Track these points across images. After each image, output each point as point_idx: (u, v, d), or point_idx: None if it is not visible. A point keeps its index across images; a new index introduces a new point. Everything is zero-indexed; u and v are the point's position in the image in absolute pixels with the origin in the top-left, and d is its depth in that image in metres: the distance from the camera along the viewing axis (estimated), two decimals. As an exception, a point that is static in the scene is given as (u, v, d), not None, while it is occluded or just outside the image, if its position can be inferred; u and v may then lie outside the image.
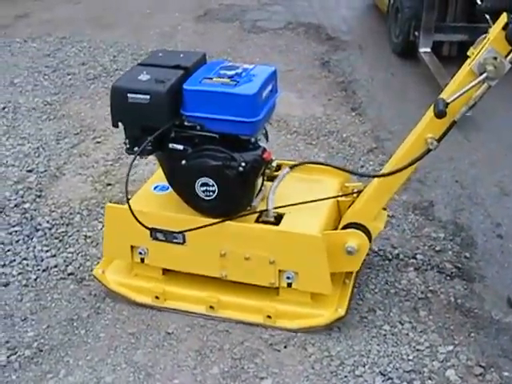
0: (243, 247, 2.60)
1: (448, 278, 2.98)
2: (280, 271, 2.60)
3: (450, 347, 2.58)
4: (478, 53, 2.29)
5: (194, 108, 2.51)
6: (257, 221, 2.67)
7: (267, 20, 6.74)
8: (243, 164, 2.49)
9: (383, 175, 2.58)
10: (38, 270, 3.01)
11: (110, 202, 3.34)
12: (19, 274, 2.99)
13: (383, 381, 2.42)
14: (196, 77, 2.57)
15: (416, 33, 5.21)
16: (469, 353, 2.55)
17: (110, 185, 3.71)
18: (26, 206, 3.49)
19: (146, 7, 7.18)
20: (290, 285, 2.62)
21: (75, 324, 2.70)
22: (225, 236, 2.61)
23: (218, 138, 2.54)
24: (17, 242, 3.21)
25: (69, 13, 6.95)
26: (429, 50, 5.15)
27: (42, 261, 3.07)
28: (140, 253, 2.74)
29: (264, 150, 2.59)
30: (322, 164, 3.16)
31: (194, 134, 2.56)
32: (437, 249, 3.16)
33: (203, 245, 2.64)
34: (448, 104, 2.30)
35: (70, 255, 3.11)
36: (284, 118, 4.50)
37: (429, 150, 2.45)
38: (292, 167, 2.80)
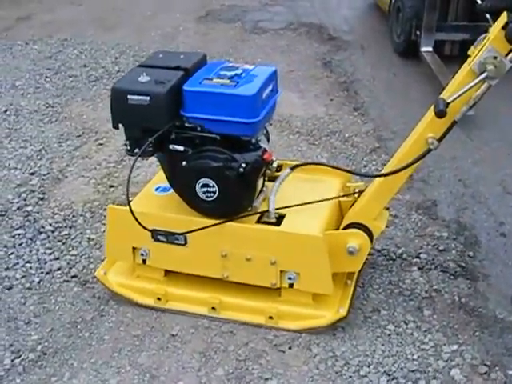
0: (244, 248, 2.60)
1: (452, 277, 2.97)
2: (281, 272, 2.60)
3: (455, 346, 2.57)
4: (479, 52, 2.29)
5: (194, 109, 2.51)
6: (258, 221, 2.67)
7: (269, 20, 6.75)
8: (244, 165, 2.49)
9: (384, 175, 2.58)
10: (42, 272, 3.01)
11: (113, 203, 3.33)
12: (22, 277, 2.99)
13: (388, 381, 2.41)
14: (196, 78, 2.57)
15: (418, 32, 5.21)
16: (473, 352, 2.55)
17: (112, 187, 3.71)
18: (29, 208, 3.49)
19: (147, 9, 7.19)
20: (291, 285, 2.61)
21: (79, 327, 2.70)
22: (226, 237, 2.61)
23: (219, 139, 2.54)
24: (20, 245, 3.21)
25: (70, 15, 6.96)
26: (430, 49, 5.16)
27: (46, 264, 3.07)
28: (142, 254, 2.74)
29: (264, 150, 2.59)
30: (322, 165, 3.15)
31: (195, 135, 2.56)
32: (440, 248, 3.15)
33: (204, 246, 2.64)
34: (448, 104, 2.30)
35: (73, 258, 3.11)
36: (286, 119, 4.50)
37: (429, 150, 2.45)
38: (293, 168, 2.80)
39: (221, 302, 2.70)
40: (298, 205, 2.64)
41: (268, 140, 2.75)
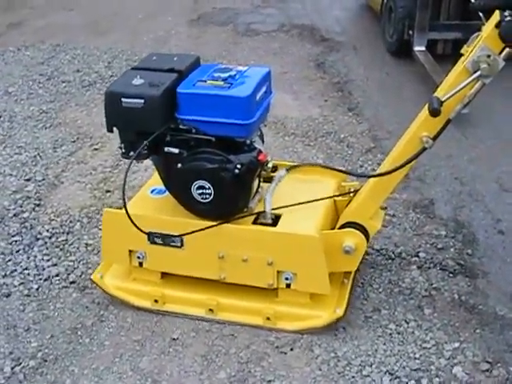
0: (241, 249, 2.60)
1: (451, 275, 2.97)
2: (278, 272, 2.60)
3: (456, 344, 2.57)
4: (472, 51, 2.30)
5: (189, 111, 2.51)
6: (254, 222, 2.67)
7: (261, 23, 6.74)
8: (239, 166, 2.49)
9: (379, 175, 2.58)
10: (40, 279, 3.00)
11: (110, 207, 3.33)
12: (21, 284, 2.98)
13: (391, 380, 2.41)
14: (190, 80, 2.58)
15: (410, 32, 5.22)
16: (475, 349, 2.55)
17: (109, 191, 3.70)
18: (26, 215, 3.47)
19: (138, 12, 7.17)
20: (288, 286, 2.62)
21: (79, 333, 2.69)
22: (222, 238, 2.61)
23: (213, 141, 2.54)
24: (17, 251, 3.19)
25: (62, 20, 6.94)
26: (423, 48, 5.17)
27: (44, 270, 3.05)
28: (138, 257, 2.74)
29: (259, 151, 2.59)
30: (318, 166, 3.15)
31: (189, 137, 2.56)
32: (439, 246, 3.16)
33: (201, 248, 2.64)
34: (443, 102, 2.30)
35: (71, 263, 3.09)
36: (281, 120, 4.50)
37: (424, 149, 2.45)
38: (288, 169, 2.80)
39: (218, 304, 2.70)
40: (293, 205, 2.64)
41: (262, 141, 2.75)
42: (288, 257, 2.57)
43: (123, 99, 2.47)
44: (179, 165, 2.54)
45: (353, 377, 2.43)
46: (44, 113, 4.69)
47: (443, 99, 2.31)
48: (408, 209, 3.48)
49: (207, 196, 2.55)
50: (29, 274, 3.02)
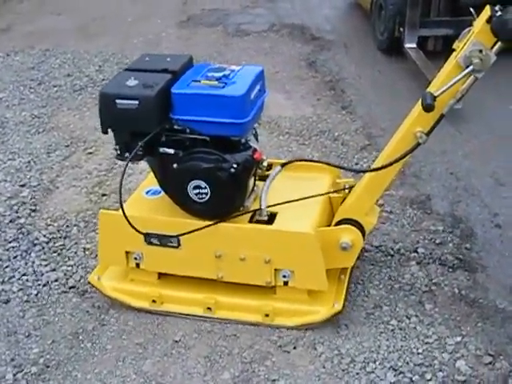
0: (238, 248, 2.61)
1: (450, 269, 2.98)
2: (276, 270, 2.61)
3: (458, 338, 2.58)
4: (464, 46, 2.31)
5: (183, 111, 2.52)
6: (250, 221, 2.68)
7: (251, 23, 6.74)
8: (235, 165, 2.49)
9: (374, 170, 2.59)
10: (39, 284, 2.98)
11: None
12: (19, 290, 2.96)
13: (395, 375, 2.42)
14: (184, 80, 2.58)
15: (401, 29, 5.23)
16: (477, 342, 2.56)
17: (105, 195, 3.69)
18: (22, 220, 3.45)
19: (127, 16, 7.15)
20: (286, 283, 2.63)
21: (81, 337, 2.68)
22: (219, 237, 2.61)
23: (209, 140, 2.54)
24: (15, 257, 3.17)
25: (51, 25, 6.91)
26: (414, 45, 5.18)
27: (42, 275, 3.03)
28: (135, 258, 2.74)
29: (255, 150, 2.60)
30: (311, 161, 3.16)
31: (185, 137, 2.57)
32: (437, 242, 3.16)
33: (198, 247, 2.65)
34: (436, 97, 2.31)
35: (69, 268, 3.08)
36: (275, 120, 4.50)
37: (418, 144, 2.46)
38: (283, 165, 2.81)
39: (216, 302, 2.70)
40: (288, 201, 2.65)
41: (257, 139, 2.75)
42: (285, 254, 2.58)
43: (118, 100, 2.47)
44: (175, 165, 2.55)
45: (357, 373, 2.43)
46: (36, 118, 4.66)
47: (436, 94, 2.32)
48: (405, 205, 3.48)
49: (203, 195, 2.56)
50: (27, 280, 3.01)
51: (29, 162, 4.06)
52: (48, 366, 2.54)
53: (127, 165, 2.54)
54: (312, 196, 2.68)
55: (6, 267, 3.10)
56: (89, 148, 4.23)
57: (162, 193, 2.75)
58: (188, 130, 2.55)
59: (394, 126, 2.64)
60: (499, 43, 2.27)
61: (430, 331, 2.62)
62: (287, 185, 2.81)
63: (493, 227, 3.27)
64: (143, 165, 3.49)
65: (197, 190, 2.55)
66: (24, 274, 3.05)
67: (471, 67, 2.28)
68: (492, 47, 2.28)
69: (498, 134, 4.20)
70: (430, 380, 2.40)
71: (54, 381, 2.48)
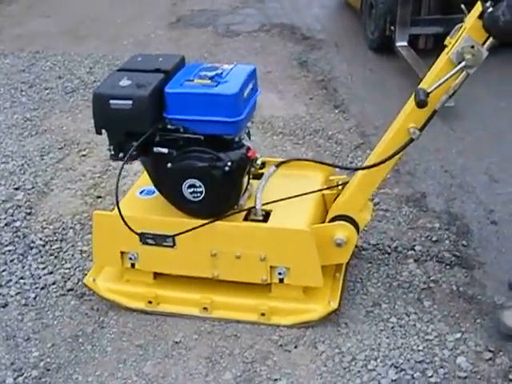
0: (233, 246, 2.61)
1: (448, 266, 3.00)
2: (271, 267, 2.62)
3: (458, 335, 2.60)
4: (455, 42, 2.33)
5: (177, 111, 2.52)
6: (245, 219, 2.68)
7: (241, 23, 6.73)
8: (229, 163, 2.51)
9: (367, 167, 2.61)
10: (37, 288, 2.96)
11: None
12: (17, 293, 2.94)
13: (396, 373, 2.43)
14: (177, 79, 2.58)
15: (392, 27, 5.24)
16: (476, 339, 2.58)
17: (100, 197, 3.67)
18: (17, 224, 3.43)
19: (117, 18, 7.11)
20: (281, 280, 2.64)
21: (80, 340, 2.67)
22: (214, 236, 2.62)
23: (203, 139, 2.55)
24: (11, 261, 3.15)
25: (40, 27, 6.86)
26: (405, 43, 5.20)
27: (40, 278, 3.02)
28: (130, 258, 2.74)
29: (248, 148, 2.62)
30: (306, 160, 3.17)
31: (178, 137, 2.57)
32: (434, 239, 3.18)
33: (193, 246, 2.65)
34: (429, 93, 2.32)
35: (67, 271, 3.07)
36: (268, 120, 4.50)
37: (411, 140, 2.47)
38: (278, 165, 2.82)
39: (212, 302, 2.71)
40: (282, 199, 2.66)
41: (249, 137, 2.76)
42: (280, 252, 2.59)
43: (111, 101, 2.47)
44: (169, 164, 2.56)
45: (358, 371, 2.44)
46: (28, 120, 4.63)
47: (429, 90, 2.33)
48: (401, 203, 3.50)
49: (198, 194, 2.57)
50: (25, 284, 2.99)
51: (22, 164, 4.03)
52: (48, 370, 2.53)
53: (123, 166, 2.54)
54: (305, 193, 2.69)
55: (3, 271, 3.08)
56: (82, 150, 4.21)
57: (156, 193, 2.76)
58: (182, 129, 2.56)
59: (387, 124, 2.65)
60: (491, 39, 2.29)
61: (429, 328, 2.63)
62: (281, 183, 2.82)
63: (488, 224, 3.29)
64: (138, 167, 3.50)
65: (191, 189, 2.56)
66: (21, 278, 3.03)
67: (463, 63, 2.29)
68: (484, 43, 2.30)
69: (490, 130, 4.22)
70: (431, 377, 2.41)
71: (55, 384, 2.48)
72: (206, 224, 2.58)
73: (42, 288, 2.96)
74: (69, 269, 3.08)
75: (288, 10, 7.12)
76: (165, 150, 2.55)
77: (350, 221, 2.66)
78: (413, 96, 2.38)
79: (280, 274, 2.61)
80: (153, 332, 2.69)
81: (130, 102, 2.45)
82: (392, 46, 5.29)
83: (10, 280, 3.02)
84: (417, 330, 2.62)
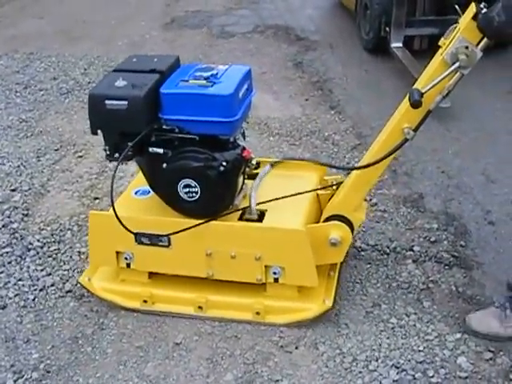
0: (228, 246, 2.62)
1: (447, 267, 3.01)
2: (266, 267, 2.62)
3: (458, 335, 2.60)
4: (450, 43, 2.34)
5: (172, 111, 2.53)
6: (240, 219, 2.69)
7: (235, 24, 6.73)
8: (224, 163, 2.52)
9: (361, 167, 2.61)
10: (35, 289, 2.95)
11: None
12: (16, 295, 2.93)
13: (397, 373, 2.43)
14: (172, 80, 2.59)
15: (387, 28, 5.25)
16: (476, 339, 2.58)
17: (97, 199, 3.66)
18: (15, 225, 3.42)
19: (110, 19, 7.10)
20: (276, 280, 2.64)
21: (80, 342, 2.66)
22: (209, 236, 2.63)
23: (198, 140, 2.56)
24: (9, 263, 3.13)
25: (33, 28, 6.84)
26: (400, 44, 5.21)
27: (38, 280, 3.00)
28: (126, 258, 2.75)
29: (243, 148, 2.63)
30: (300, 160, 3.18)
31: (174, 137, 2.58)
32: (432, 239, 3.19)
33: (188, 246, 2.65)
34: (423, 94, 2.33)
35: (65, 273, 3.05)
36: (264, 121, 4.50)
37: (406, 140, 2.48)
38: (273, 164, 2.83)
39: (207, 301, 2.71)
40: (276, 199, 2.67)
41: (244, 138, 2.77)
42: (275, 251, 2.60)
43: (107, 101, 2.48)
44: (164, 164, 2.56)
45: (360, 372, 2.44)
46: (24, 122, 4.62)
47: (424, 91, 2.34)
48: (398, 204, 3.51)
49: (194, 194, 2.57)
50: (23, 285, 2.98)
51: (18, 166, 4.02)
52: (49, 372, 2.52)
53: (118, 165, 2.54)
54: (299, 193, 2.70)
55: (1, 272, 3.07)
56: (78, 151, 4.20)
57: (151, 193, 2.77)
58: (177, 130, 2.57)
59: (383, 125, 2.65)
60: (485, 40, 2.30)
61: (429, 328, 2.64)
62: (275, 183, 2.83)
63: (486, 224, 3.30)
64: (135, 168, 3.49)
65: (187, 189, 2.57)
66: (20, 279, 3.01)
67: (457, 64, 2.30)
68: (478, 44, 2.31)
69: (486, 131, 4.24)
70: (432, 377, 2.41)
71: (55, 386, 2.47)
72: (201, 224, 2.59)
73: (41, 290, 2.95)
74: (67, 270, 3.07)
75: (282, 11, 7.13)
76: (160, 150, 2.57)
77: (345, 221, 2.67)
78: (407, 96, 2.39)
79: (275, 273, 2.62)
80: (153, 333, 2.68)
81: (126, 102, 2.46)
82: (387, 47, 5.30)
83: (9, 282, 3.01)
84: (417, 331, 2.63)
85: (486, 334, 2.57)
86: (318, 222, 2.76)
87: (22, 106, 4.90)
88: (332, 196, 2.77)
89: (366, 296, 2.83)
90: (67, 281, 3.00)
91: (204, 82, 2.54)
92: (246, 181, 2.77)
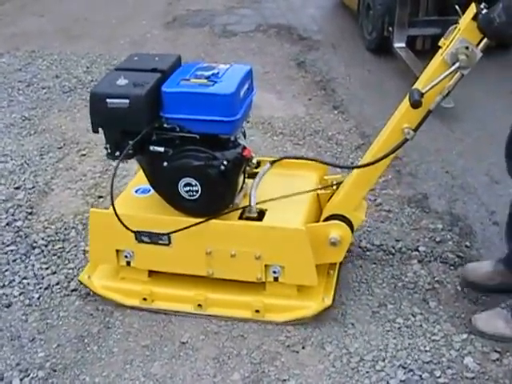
0: (228, 244, 2.62)
1: (452, 267, 3.01)
2: (266, 266, 2.63)
3: (464, 335, 2.60)
4: (450, 43, 2.34)
5: (174, 110, 2.53)
6: (240, 218, 2.70)
7: (237, 23, 6.73)
8: (225, 162, 2.52)
9: (362, 166, 2.62)
10: (40, 288, 2.94)
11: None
12: (21, 293, 2.92)
13: (405, 373, 2.43)
14: (173, 79, 2.59)
15: (390, 29, 5.25)
16: (483, 339, 2.58)
17: (101, 197, 3.66)
18: (19, 223, 3.41)
19: (112, 17, 7.09)
20: (276, 279, 2.64)
21: (86, 340, 2.65)
22: (210, 234, 2.63)
23: (199, 138, 2.56)
24: (14, 261, 3.13)
25: (34, 26, 6.82)
26: (403, 44, 5.21)
27: (43, 279, 3.00)
28: (126, 256, 2.74)
29: (244, 147, 2.64)
30: (300, 158, 3.17)
31: (175, 136, 2.59)
32: (437, 240, 3.19)
33: (189, 244, 2.66)
34: (423, 94, 2.33)
35: (70, 271, 3.05)
36: (268, 120, 4.50)
37: (406, 140, 2.48)
38: (272, 163, 2.84)
39: (207, 299, 2.71)
40: (277, 198, 2.68)
41: (245, 137, 2.77)
42: (275, 250, 2.60)
43: (108, 100, 2.48)
44: (165, 163, 2.57)
45: (367, 372, 2.44)
46: (27, 120, 4.61)
47: (424, 91, 2.34)
48: (403, 204, 3.51)
49: (194, 193, 2.58)
50: (28, 284, 2.97)
51: (22, 164, 4.01)
52: (55, 370, 2.51)
53: (118, 164, 2.54)
54: (299, 193, 2.71)
55: (6, 271, 3.06)
56: (82, 150, 4.19)
57: (152, 191, 2.78)
58: (178, 129, 2.57)
59: (386, 125, 2.66)
60: (485, 40, 2.30)
61: (435, 329, 2.64)
62: (275, 182, 2.84)
63: (491, 225, 3.30)
64: (137, 166, 3.48)
65: (187, 188, 2.58)
66: (24, 278, 3.01)
67: (457, 64, 2.30)
68: (478, 44, 2.31)
69: (489, 131, 4.23)
70: (439, 377, 2.41)
71: (61, 385, 2.46)
72: (201, 222, 2.60)
73: (46, 288, 2.94)
74: (72, 269, 3.06)
75: (284, 11, 7.13)
76: (161, 149, 2.57)
77: (345, 220, 2.67)
78: (407, 96, 2.39)
79: (275, 272, 2.63)
80: (159, 332, 2.68)
81: (127, 100, 2.46)
82: (390, 47, 5.30)
83: (13, 280, 3.00)
84: (423, 331, 2.63)
85: (492, 335, 2.57)
86: (317, 222, 2.76)
87: (25, 103, 4.89)
88: (332, 195, 2.78)
89: (372, 296, 2.83)
90: (72, 279, 2.99)
91: (205, 81, 2.55)
92: (246, 180, 2.78)
